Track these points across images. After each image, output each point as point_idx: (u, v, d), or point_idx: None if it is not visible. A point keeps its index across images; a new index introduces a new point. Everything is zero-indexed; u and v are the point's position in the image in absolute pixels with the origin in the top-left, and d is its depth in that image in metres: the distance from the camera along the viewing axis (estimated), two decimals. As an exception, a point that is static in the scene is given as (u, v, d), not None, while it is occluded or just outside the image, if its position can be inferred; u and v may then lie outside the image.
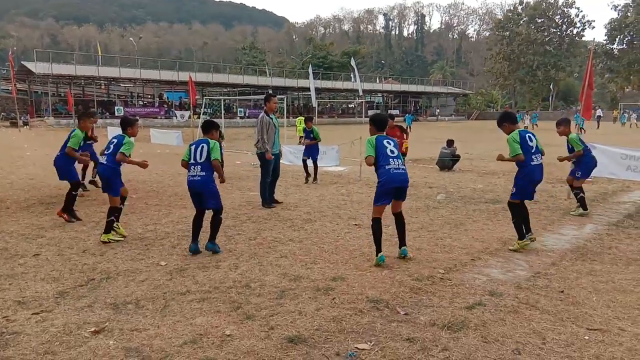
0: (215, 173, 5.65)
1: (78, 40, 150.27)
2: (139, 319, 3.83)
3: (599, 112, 41.41)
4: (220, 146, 5.98)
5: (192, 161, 5.52)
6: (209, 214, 5.70)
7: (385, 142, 5.17)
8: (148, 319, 3.83)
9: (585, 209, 7.63)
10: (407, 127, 34.13)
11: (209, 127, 5.81)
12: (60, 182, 10.91)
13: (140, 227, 6.81)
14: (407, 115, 41.14)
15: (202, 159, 5.47)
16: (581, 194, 7.67)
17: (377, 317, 3.86)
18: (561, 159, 8.13)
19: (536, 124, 38.47)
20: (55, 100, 47.36)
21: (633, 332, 3.59)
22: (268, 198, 8.33)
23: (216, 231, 5.67)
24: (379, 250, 5.15)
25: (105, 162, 6.12)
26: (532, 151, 5.55)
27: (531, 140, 5.62)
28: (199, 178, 5.47)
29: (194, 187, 5.53)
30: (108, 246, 5.86)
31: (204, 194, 5.53)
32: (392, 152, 5.12)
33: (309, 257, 5.43)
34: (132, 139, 6.23)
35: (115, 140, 6.17)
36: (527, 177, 5.58)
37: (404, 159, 10.13)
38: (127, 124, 6.30)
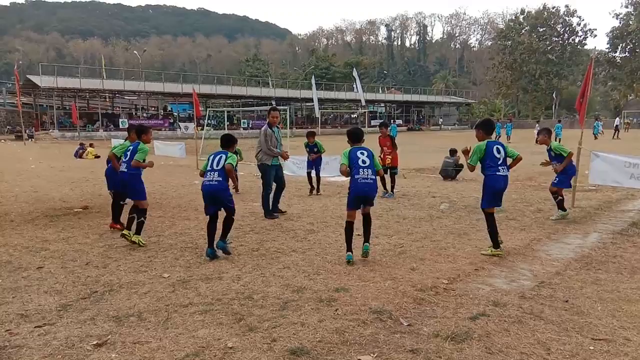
0: (230, 182, 6.00)
1: (83, 54, 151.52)
2: (141, 331, 3.82)
3: (616, 121, 40.66)
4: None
5: (209, 168, 5.86)
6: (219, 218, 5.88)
7: (358, 153, 5.63)
8: (150, 331, 3.82)
9: (564, 210, 7.70)
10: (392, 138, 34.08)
11: (229, 142, 6.16)
12: (65, 195, 11.00)
13: (143, 239, 6.80)
14: (392, 125, 40.27)
15: (219, 167, 5.81)
16: (560, 197, 7.74)
17: (380, 328, 3.84)
18: (545, 164, 8.25)
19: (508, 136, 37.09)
20: (60, 113, 47.69)
21: (639, 342, 3.55)
22: (272, 208, 8.41)
23: (228, 231, 5.97)
24: (348, 249, 5.63)
25: (125, 170, 6.60)
26: (499, 163, 5.76)
27: (499, 152, 5.82)
28: (216, 183, 5.78)
29: (209, 191, 5.80)
30: (111, 258, 5.86)
31: (219, 198, 5.83)
32: (363, 162, 5.55)
33: (311, 268, 5.41)
34: (146, 145, 6.65)
35: (131, 148, 6.65)
36: (492, 187, 5.83)
37: (397, 170, 10.05)
38: (142, 132, 6.78)
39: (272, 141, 8.29)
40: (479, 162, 5.89)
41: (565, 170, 7.84)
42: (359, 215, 5.78)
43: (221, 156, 5.89)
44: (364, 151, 5.66)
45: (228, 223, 5.95)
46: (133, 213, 6.53)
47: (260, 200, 8.45)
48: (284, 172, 9.09)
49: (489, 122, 6.16)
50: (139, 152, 6.48)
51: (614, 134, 37.77)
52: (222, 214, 6.01)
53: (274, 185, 8.49)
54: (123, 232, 6.54)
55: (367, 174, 5.51)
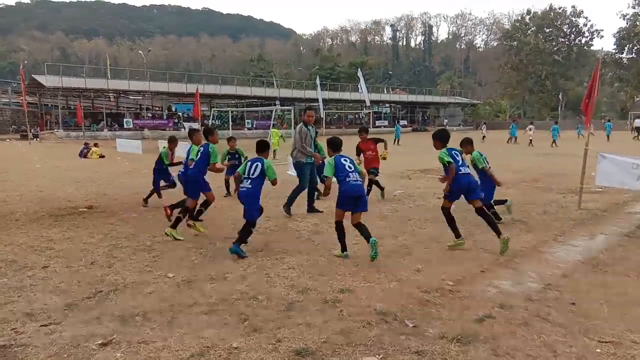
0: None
1: (88, 54, 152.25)
2: (146, 331, 3.82)
3: (637, 122, 39.97)
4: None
5: (245, 175, 6.17)
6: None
7: (342, 160, 5.99)
8: (155, 331, 3.82)
9: (499, 218, 7.53)
10: (396, 139, 34.01)
11: (264, 147, 6.47)
12: (69, 195, 11.04)
13: (148, 239, 6.82)
14: (396, 125, 40.28)
15: (254, 175, 6.09)
16: (492, 210, 7.51)
17: (385, 329, 3.83)
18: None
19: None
20: (65, 112, 47.88)
21: (647, 345, 3.53)
22: (308, 208, 8.70)
23: (243, 237, 6.07)
24: (343, 249, 5.93)
25: (194, 168, 6.95)
26: (348, 170, 6.03)
27: (458, 156, 6.31)
28: (245, 189, 6.10)
29: (240, 197, 6.17)
30: (115, 258, 5.87)
31: (245, 204, 6.09)
32: (349, 167, 5.93)
33: (316, 268, 5.40)
34: (215, 146, 7.03)
35: (202, 149, 6.95)
36: (456, 184, 6.22)
37: (377, 171, 9.90)
38: (208, 133, 7.15)
39: (307, 140, 8.51)
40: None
41: (485, 183, 7.66)
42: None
43: (257, 164, 6.15)
44: (346, 158, 6.05)
45: (244, 230, 6.08)
46: (201, 206, 7.13)
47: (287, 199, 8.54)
48: (288, 172, 9.11)
49: (444, 132, 6.54)
50: (211, 155, 6.87)
51: (637, 134, 37.25)
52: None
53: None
54: (166, 231, 6.85)
55: (356, 177, 5.88)
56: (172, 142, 9.65)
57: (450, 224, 6.43)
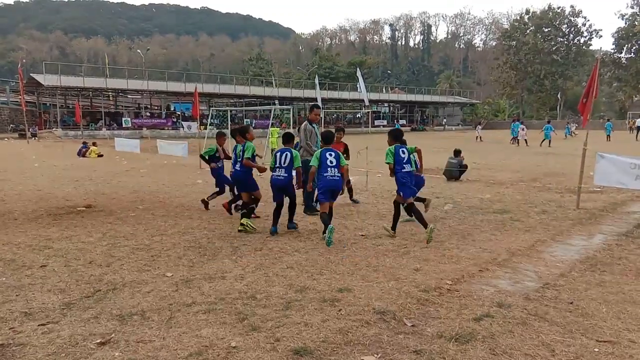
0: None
1: (86, 53, 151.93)
2: (144, 330, 3.82)
3: (638, 122, 40.03)
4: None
5: (277, 165, 6.98)
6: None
7: (327, 154, 6.77)
8: (154, 330, 3.82)
9: (409, 215, 7.41)
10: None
11: (291, 139, 7.39)
12: (68, 194, 11.03)
13: (146, 238, 6.82)
14: (396, 124, 40.58)
15: (286, 164, 6.95)
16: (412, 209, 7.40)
17: (383, 328, 3.83)
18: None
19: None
20: (64, 111, 47.81)
21: (644, 345, 3.54)
22: (309, 204, 8.67)
23: (293, 214, 7.29)
24: (326, 228, 6.52)
25: (238, 169, 7.42)
26: (403, 162, 6.81)
27: (403, 153, 6.86)
28: (283, 178, 6.95)
29: (278, 184, 6.99)
30: (114, 257, 5.87)
31: (288, 190, 7.07)
32: (331, 162, 6.71)
33: (315, 268, 5.41)
34: (251, 143, 7.45)
35: (241, 148, 7.41)
36: (399, 180, 6.80)
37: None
38: (245, 132, 7.67)
39: (312, 138, 8.56)
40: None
41: (397, 180, 7.66)
42: (361, 230, 5.80)
43: (287, 154, 6.98)
44: (332, 152, 6.80)
45: (292, 208, 7.23)
46: (252, 203, 7.48)
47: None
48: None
49: (397, 131, 7.24)
50: (246, 150, 7.27)
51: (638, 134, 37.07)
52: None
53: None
54: (242, 221, 7.23)
55: (334, 173, 6.69)
56: (221, 136, 9.62)
57: (395, 218, 7.02)
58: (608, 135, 35.41)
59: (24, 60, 75.78)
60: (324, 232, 6.56)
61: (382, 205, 9.34)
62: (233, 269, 5.39)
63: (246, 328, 3.83)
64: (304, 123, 8.73)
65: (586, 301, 4.39)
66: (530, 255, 5.93)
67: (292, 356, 3.38)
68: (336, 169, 6.69)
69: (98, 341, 3.61)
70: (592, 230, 7.25)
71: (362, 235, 6.94)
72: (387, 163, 6.86)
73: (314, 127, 8.68)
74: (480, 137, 36.60)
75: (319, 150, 6.93)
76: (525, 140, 30.55)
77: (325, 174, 6.66)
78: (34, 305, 4.34)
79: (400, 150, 6.86)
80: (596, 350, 3.46)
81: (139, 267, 5.49)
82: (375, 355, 3.39)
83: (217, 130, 9.63)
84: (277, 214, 7.06)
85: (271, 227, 7.05)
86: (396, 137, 7.08)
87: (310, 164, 6.86)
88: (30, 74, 47.48)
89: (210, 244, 6.49)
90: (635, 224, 7.62)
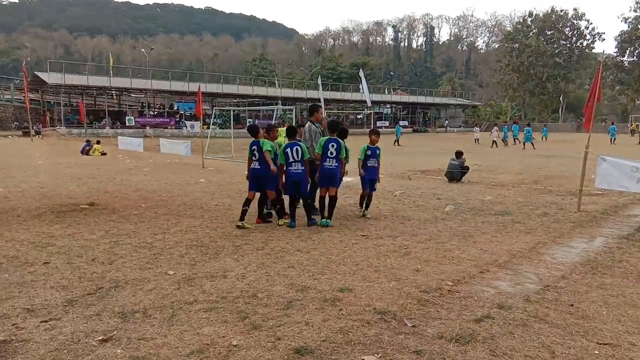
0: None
1: (91, 51, 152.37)
2: (146, 328, 3.84)
3: None
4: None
5: (291, 159, 7.32)
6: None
7: (329, 145, 7.34)
8: (155, 328, 3.84)
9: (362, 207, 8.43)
10: (396, 140, 34.15)
11: (295, 132, 7.73)
12: (71, 191, 11.06)
13: (149, 237, 6.85)
14: (397, 126, 40.91)
15: (299, 157, 7.31)
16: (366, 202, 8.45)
17: (384, 328, 3.84)
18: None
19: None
20: (68, 110, 47.93)
21: (644, 347, 3.54)
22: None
23: (310, 211, 7.63)
24: (322, 217, 7.48)
25: (258, 166, 7.52)
26: (329, 156, 7.37)
27: (333, 147, 7.36)
28: (301, 171, 7.33)
29: (295, 177, 7.33)
30: (116, 255, 5.89)
31: (301, 183, 7.37)
32: (331, 153, 7.30)
33: (316, 267, 5.42)
34: (269, 141, 7.52)
35: (258, 145, 7.54)
36: (320, 173, 7.44)
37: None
38: (268, 130, 7.90)
39: (317, 138, 8.51)
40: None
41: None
42: (362, 230, 5.81)
43: (297, 148, 7.30)
44: (334, 143, 7.35)
45: (308, 206, 7.60)
46: (276, 206, 7.85)
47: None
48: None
49: (333, 123, 7.92)
50: (263, 145, 7.37)
51: None
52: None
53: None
54: (279, 222, 7.63)
55: (332, 163, 7.34)
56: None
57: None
58: (612, 139, 35.40)
59: (29, 59, 76.06)
60: (322, 218, 7.42)
61: (384, 206, 9.35)
62: (235, 267, 5.41)
63: (247, 327, 3.85)
64: (307, 124, 8.72)
65: (587, 303, 4.40)
66: (531, 257, 5.93)
67: (293, 355, 3.40)
68: (334, 160, 7.35)
69: (100, 338, 3.63)
70: (593, 233, 7.25)
71: (364, 235, 6.95)
72: (316, 152, 7.57)
73: (317, 128, 8.71)
74: (477, 139, 36.81)
75: (323, 139, 7.45)
76: (494, 141, 31.15)
77: (324, 163, 7.35)
78: (37, 302, 4.36)
79: (330, 144, 7.43)
80: (596, 352, 3.47)
81: (141, 265, 5.51)
82: (376, 355, 3.41)
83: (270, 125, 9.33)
84: (294, 208, 7.48)
85: (290, 222, 7.43)
86: (334, 128, 7.70)
87: (316, 151, 7.52)
88: (35, 72, 47.59)
89: (212, 242, 6.51)
90: (637, 227, 7.61)
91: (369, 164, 8.15)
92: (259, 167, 7.44)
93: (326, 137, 7.52)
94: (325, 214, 7.55)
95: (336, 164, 7.37)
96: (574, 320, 4.01)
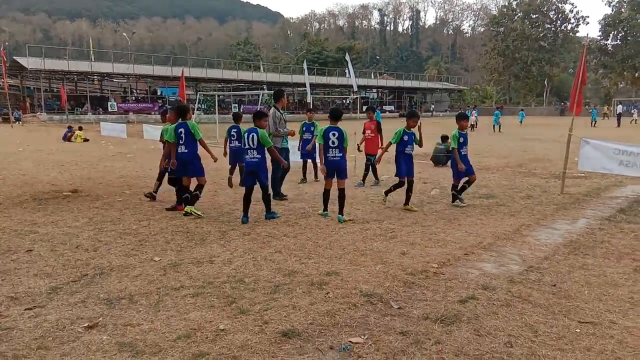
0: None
1: (71, 36, 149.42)
2: (132, 314, 3.82)
3: (619, 108, 40.29)
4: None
5: (246, 146, 6.74)
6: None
7: (330, 134, 6.80)
8: (142, 314, 3.82)
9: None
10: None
11: (259, 117, 6.92)
12: (53, 179, 10.91)
13: (134, 223, 6.79)
14: (377, 110, 40.68)
15: (255, 145, 6.68)
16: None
17: (370, 311, 3.88)
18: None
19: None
20: (48, 95, 47.02)
21: (624, 325, 3.63)
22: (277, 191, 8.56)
23: (269, 204, 7.06)
24: (325, 209, 7.16)
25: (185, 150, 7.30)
26: (330, 145, 6.81)
27: (334, 136, 6.83)
28: (257, 160, 6.72)
29: (251, 167, 6.76)
30: (101, 242, 5.84)
31: (259, 172, 6.75)
32: (333, 143, 6.77)
33: (303, 252, 5.43)
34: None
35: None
36: (325, 164, 6.91)
37: (373, 158, 9.93)
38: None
39: (281, 124, 8.50)
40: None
41: None
42: (349, 215, 5.82)
43: (253, 135, 6.71)
44: (335, 132, 6.80)
45: (266, 198, 7.01)
46: (197, 190, 7.38)
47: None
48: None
49: (335, 110, 7.27)
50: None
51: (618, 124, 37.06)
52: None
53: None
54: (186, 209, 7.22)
55: (335, 153, 6.80)
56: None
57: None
58: (593, 122, 35.96)
59: (7, 43, 74.18)
60: (324, 210, 7.11)
61: (370, 190, 9.37)
62: (221, 253, 5.40)
63: (234, 311, 3.86)
64: (272, 110, 8.51)
65: (569, 283, 4.48)
66: (515, 239, 6.01)
67: (280, 338, 3.42)
68: (337, 150, 6.78)
69: (86, 325, 3.61)
70: (576, 215, 7.36)
71: (350, 219, 6.97)
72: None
73: (282, 114, 8.60)
74: (476, 124, 34.01)
75: (323, 127, 6.93)
76: (472, 125, 31.35)
77: (327, 154, 6.81)
78: (20, 290, 4.32)
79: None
80: (578, 330, 3.54)
81: (126, 251, 5.47)
82: (362, 337, 3.44)
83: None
84: (246, 201, 6.86)
85: (242, 216, 6.84)
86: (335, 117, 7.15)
87: (317, 141, 7.05)
88: (13, 57, 46.51)
89: (198, 228, 6.48)
90: (618, 209, 7.75)
91: (407, 151, 8.03)
92: (185, 151, 7.25)
93: (326, 126, 6.94)
94: (331, 208, 7.15)
95: (340, 154, 6.81)
96: (556, 300, 4.09)
